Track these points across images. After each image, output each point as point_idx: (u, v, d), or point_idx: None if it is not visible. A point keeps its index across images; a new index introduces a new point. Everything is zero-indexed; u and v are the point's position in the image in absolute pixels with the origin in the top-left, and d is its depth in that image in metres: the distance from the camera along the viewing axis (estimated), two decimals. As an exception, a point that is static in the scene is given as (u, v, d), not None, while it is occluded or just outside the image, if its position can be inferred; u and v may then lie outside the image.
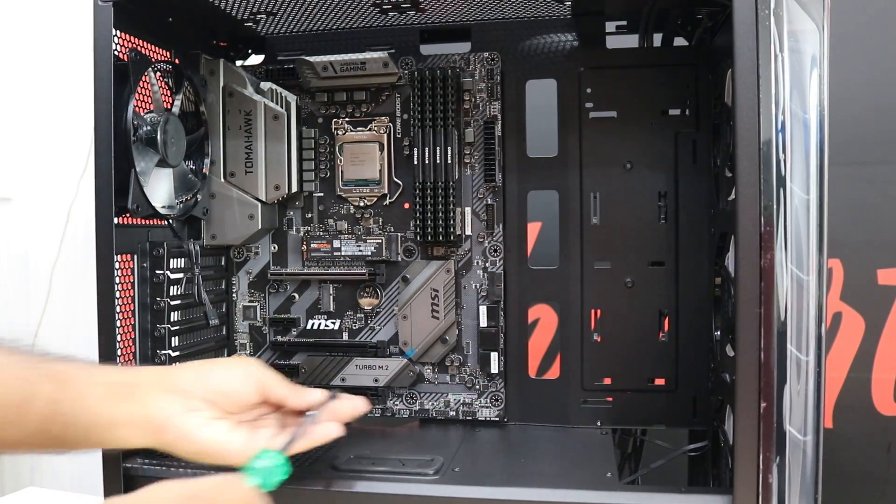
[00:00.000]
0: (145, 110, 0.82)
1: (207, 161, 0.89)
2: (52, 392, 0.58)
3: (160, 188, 0.83)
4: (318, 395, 0.68)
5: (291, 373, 0.94)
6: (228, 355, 0.96)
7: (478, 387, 0.92)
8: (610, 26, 0.91)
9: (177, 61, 0.88)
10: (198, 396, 0.62)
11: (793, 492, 0.63)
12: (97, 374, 0.62)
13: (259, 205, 0.91)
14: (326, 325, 0.95)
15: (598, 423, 0.90)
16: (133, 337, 0.81)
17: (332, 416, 0.66)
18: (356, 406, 0.68)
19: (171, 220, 0.85)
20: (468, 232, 0.91)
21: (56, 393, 0.58)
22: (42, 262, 1.47)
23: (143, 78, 0.80)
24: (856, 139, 1.09)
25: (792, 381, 0.62)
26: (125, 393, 0.61)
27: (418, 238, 0.90)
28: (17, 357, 0.60)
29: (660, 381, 0.90)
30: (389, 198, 0.93)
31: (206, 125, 0.89)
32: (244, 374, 0.65)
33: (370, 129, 0.92)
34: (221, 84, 0.90)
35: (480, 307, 0.91)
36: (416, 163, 0.89)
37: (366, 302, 0.93)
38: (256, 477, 0.59)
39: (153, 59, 0.82)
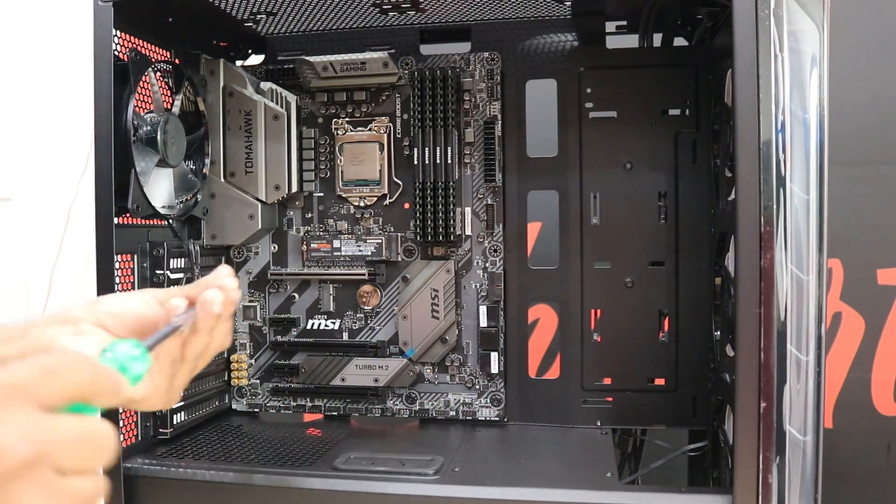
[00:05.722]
0: (145, 110, 0.82)
1: (207, 161, 0.89)
2: None
3: (160, 188, 0.83)
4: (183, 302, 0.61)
5: (291, 372, 0.94)
6: (228, 355, 0.96)
7: (478, 387, 0.92)
8: (610, 26, 0.91)
9: (177, 61, 0.88)
10: (88, 321, 0.61)
11: (793, 492, 0.63)
12: None
13: (259, 205, 0.91)
14: (326, 325, 0.95)
15: (598, 423, 0.90)
16: (133, 337, 0.81)
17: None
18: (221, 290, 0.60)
19: (171, 220, 0.85)
20: (468, 232, 0.91)
21: None
22: (42, 262, 1.47)
23: (143, 78, 0.80)
24: (856, 139, 1.09)
25: (792, 381, 0.63)
26: (17, 334, 0.60)
27: (418, 238, 0.90)
28: None
29: (660, 381, 0.90)
30: (389, 198, 0.93)
31: (206, 125, 0.89)
32: (135, 295, 0.63)
33: (370, 129, 0.92)
34: (221, 84, 0.90)
35: (480, 307, 0.91)
36: (416, 163, 0.89)
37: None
38: (111, 364, 0.53)
39: (153, 59, 0.82)
